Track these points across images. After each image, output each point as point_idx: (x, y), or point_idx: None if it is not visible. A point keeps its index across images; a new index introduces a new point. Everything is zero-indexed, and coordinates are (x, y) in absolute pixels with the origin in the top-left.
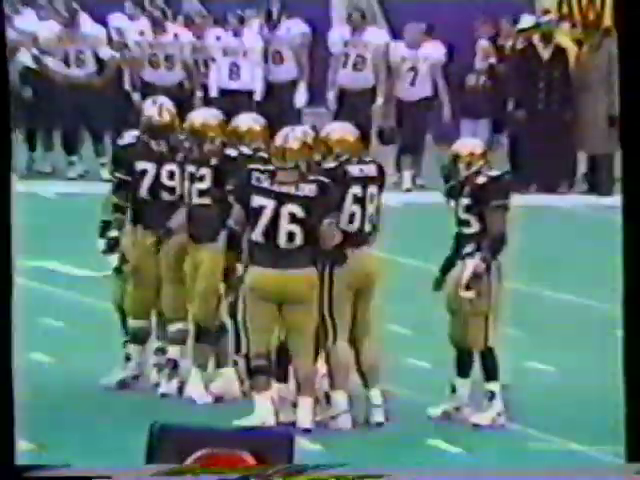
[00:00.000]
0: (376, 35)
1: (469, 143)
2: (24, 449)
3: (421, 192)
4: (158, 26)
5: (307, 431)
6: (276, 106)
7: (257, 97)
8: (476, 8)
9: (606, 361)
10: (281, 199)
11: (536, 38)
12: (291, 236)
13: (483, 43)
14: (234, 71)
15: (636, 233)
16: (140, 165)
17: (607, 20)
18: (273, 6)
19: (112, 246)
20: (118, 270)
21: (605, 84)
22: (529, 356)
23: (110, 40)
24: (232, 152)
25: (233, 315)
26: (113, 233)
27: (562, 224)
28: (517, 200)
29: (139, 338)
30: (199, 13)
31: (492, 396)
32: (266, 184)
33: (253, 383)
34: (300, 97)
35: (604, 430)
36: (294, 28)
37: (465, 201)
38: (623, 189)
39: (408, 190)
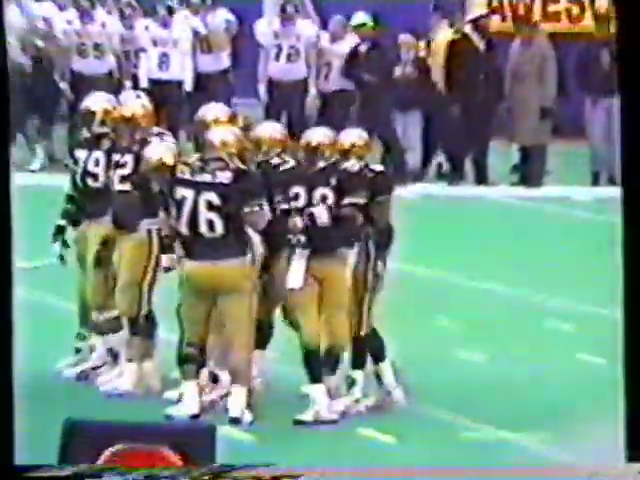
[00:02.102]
0: (307, 27)
1: (352, 134)
2: None
3: None
4: (86, 15)
5: (236, 421)
6: (206, 97)
7: (187, 87)
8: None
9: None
10: (199, 188)
11: (470, 30)
12: (211, 224)
13: (406, 35)
14: (164, 61)
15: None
16: (76, 153)
17: (536, 14)
18: None
19: (55, 235)
20: (61, 258)
21: (537, 76)
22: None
23: (38, 30)
24: (154, 139)
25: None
26: (60, 222)
27: (494, 215)
28: (451, 191)
29: (104, 329)
30: (128, 3)
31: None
32: (188, 176)
33: (181, 371)
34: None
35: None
36: (222, 17)
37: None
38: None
39: None
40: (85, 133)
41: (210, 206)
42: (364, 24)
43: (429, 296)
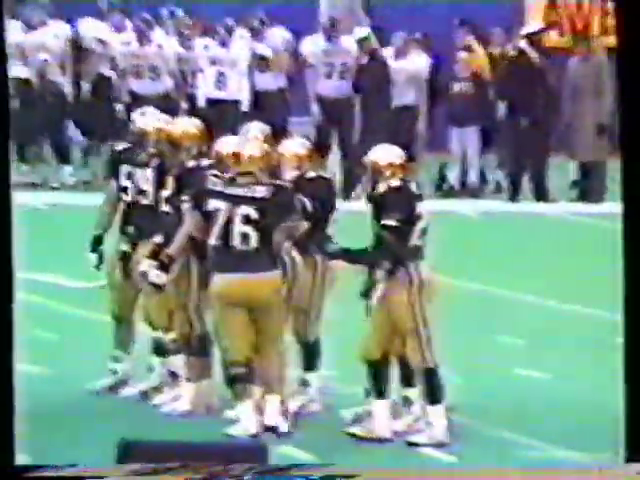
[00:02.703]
0: (349, 43)
1: (386, 152)
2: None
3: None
4: (143, 37)
5: (272, 429)
6: (264, 115)
7: (244, 107)
8: (462, 15)
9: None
10: (235, 201)
11: (525, 45)
12: (245, 237)
13: (464, 52)
14: (221, 81)
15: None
16: (124, 171)
17: (595, 29)
18: (259, 15)
19: (93, 245)
20: (98, 269)
21: (595, 92)
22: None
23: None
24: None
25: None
26: (97, 232)
27: (554, 231)
28: (509, 207)
29: (164, 351)
30: (186, 23)
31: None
32: (221, 188)
33: (233, 393)
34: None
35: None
36: (280, 36)
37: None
38: (623, 197)
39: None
40: (137, 152)
41: (247, 220)
42: (366, 38)
43: (490, 313)
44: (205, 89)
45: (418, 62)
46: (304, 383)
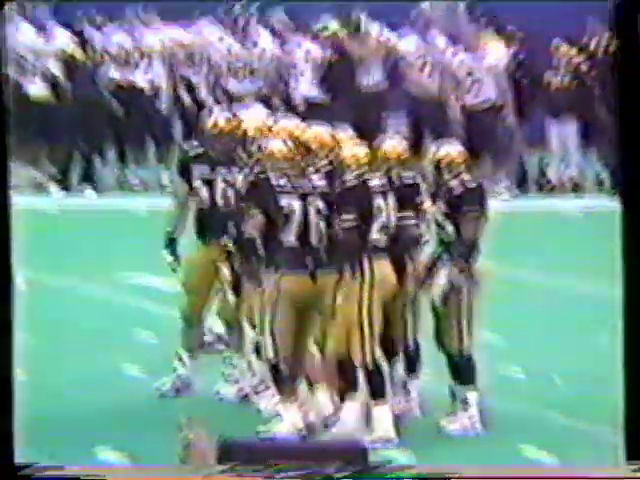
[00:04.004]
0: (440, 41)
1: (450, 147)
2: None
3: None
4: (242, 37)
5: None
6: (362, 113)
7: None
8: (555, 8)
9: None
10: (306, 197)
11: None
12: (320, 234)
13: (561, 43)
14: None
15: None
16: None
17: None
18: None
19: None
20: (173, 270)
21: None
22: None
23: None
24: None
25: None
26: (170, 233)
27: None
28: (612, 204)
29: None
30: (285, 23)
31: (466, 402)
32: (289, 185)
33: (281, 390)
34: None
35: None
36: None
37: (442, 206)
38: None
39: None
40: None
41: (319, 214)
42: (325, 27)
43: (588, 312)
44: (304, 88)
45: (497, 56)
46: (405, 387)
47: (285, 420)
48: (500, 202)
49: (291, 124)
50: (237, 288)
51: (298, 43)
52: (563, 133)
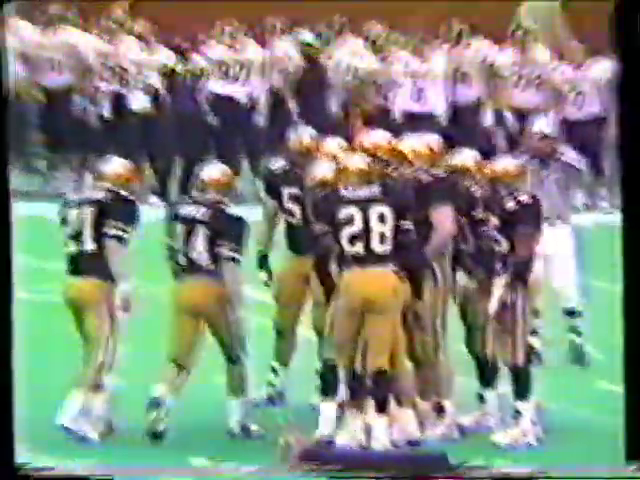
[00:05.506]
0: (543, 54)
1: (506, 163)
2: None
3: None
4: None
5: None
6: (460, 128)
7: (442, 120)
8: None
9: None
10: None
11: None
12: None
13: None
14: (419, 94)
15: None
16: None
17: None
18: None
19: (260, 262)
20: (266, 285)
21: None
22: None
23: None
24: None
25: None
26: (261, 250)
27: None
28: None
29: None
30: (382, 36)
31: (518, 415)
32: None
33: (323, 390)
34: (487, 117)
35: None
36: (478, 48)
37: (495, 221)
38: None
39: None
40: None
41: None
42: (309, 44)
43: None
44: (402, 102)
45: (602, 69)
46: (481, 399)
47: (347, 429)
48: (602, 215)
49: (374, 138)
50: (329, 298)
51: (399, 58)
52: None
